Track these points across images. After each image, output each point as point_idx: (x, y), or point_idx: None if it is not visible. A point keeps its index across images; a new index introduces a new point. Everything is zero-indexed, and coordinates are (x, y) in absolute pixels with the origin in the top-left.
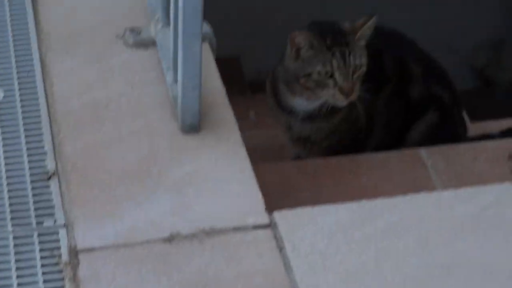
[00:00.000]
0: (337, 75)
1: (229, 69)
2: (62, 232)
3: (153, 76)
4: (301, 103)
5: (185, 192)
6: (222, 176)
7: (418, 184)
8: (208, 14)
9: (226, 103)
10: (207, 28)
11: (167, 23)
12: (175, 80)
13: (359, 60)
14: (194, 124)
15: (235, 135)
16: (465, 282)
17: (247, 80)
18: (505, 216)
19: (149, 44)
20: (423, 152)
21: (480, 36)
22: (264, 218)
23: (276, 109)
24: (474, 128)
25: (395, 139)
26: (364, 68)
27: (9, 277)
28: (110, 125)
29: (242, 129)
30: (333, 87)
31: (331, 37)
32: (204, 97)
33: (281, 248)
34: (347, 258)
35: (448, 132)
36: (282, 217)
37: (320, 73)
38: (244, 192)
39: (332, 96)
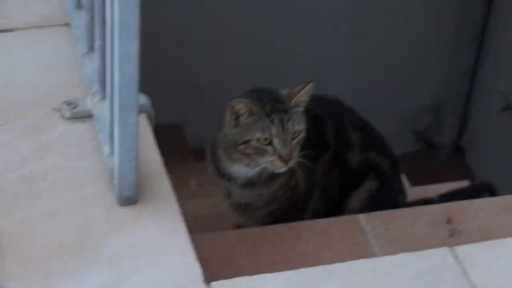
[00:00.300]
0: (276, 141)
1: (172, 136)
2: None
3: (89, 148)
4: (240, 170)
5: (122, 265)
6: (160, 248)
7: (357, 250)
8: (151, 81)
9: (163, 174)
10: (144, 99)
11: (103, 96)
12: (112, 153)
13: (298, 126)
14: (131, 196)
15: (173, 207)
16: None
17: (191, 148)
18: (443, 280)
19: (86, 116)
20: (362, 218)
21: (421, 100)
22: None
23: (215, 176)
24: (414, 192)
25: (334, 206)
26: (303, 134)
27: None
28: (46, 199)
29: (182, 198)
30: (272, 154)
31: (270, 104)
32: (141, 168)
33: None
34: None
35: (388, 200)
36: (220, 287)
37: (259, 140)
38: (182, 264)
39: (271, 163)
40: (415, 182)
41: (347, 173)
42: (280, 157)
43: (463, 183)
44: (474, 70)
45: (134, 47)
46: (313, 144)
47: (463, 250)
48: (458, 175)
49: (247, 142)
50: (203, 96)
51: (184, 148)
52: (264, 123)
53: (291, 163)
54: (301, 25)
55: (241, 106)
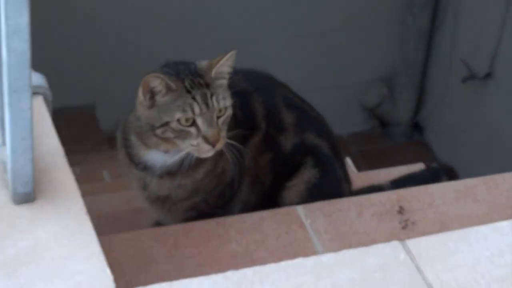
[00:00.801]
0: (200, 121)
1: (82, 120)
2: None
3: None
4: (158, 157)
5: (19, 274)
6: (63, 253)
7: (297, 247)
8: (55, 58)
9: (65, 166)
10: (39, 79)
11: None
12: (3, 143)
13: (223, 102)
14: (28, 193)
15: (77, 204)
16: None
17: (105, 133)
18: (394, 279)
19: None
20: (301, 210)
21: (372, 72)
22: None
23: (128, 165)
24: (361, 178)
25: (266, 198)
26: (229, 112)
27: None
28: None
29: (94, 192)
30: (196, 136)
31: (189, 78)
32: (38, 160)
33: None
34: None
35: (330, 190)
36: None
37: (180, 121)
38: (90, 271)
39: (196, 147)
40: (368, 166)
41: (280, 157)
42: (205, 139)
43: (418, 166)
44: (430, 35)
45: (24, 20)
46: (240, 125)
47: (416, 244)
48: (417, 156)
49: (165, 124)
50: (116, 73)
51: (97, 133)
52: (184, 100)
53: (219, 145)
54: None
55: (156, 82)
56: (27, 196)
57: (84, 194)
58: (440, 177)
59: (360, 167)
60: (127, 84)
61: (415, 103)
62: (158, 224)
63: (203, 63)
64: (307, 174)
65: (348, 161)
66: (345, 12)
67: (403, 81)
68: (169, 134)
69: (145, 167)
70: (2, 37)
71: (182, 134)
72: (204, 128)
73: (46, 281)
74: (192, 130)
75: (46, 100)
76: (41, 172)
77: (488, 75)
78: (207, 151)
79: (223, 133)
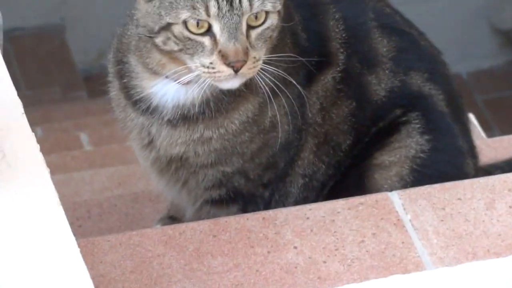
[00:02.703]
0: (217, 28)
1: (46, 48)
2: None
3: None
4: (167, 90)
5: None
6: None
7: (390, 257)
8: None
9: (24, 127)
10: None
11: None
12: None
13: (262, 2)
14: None
15: (46, 188)
16: None
17: (81, 69)
18: None
19: None
20: (396, 199)
21: None
22: None
23: (124, 106)
24: (494, 146)
25: (344, 173)
26: (273, 21)
27: None
28: None
29: (67, 168)
30: (211, 52)
31: None
32: None
33: None
34: None
35: (446, 169)
36: None
37: (187, 24)
38: None
39: (210, 70)
40: (502, 124)
41: (367, 109)
42: (224, 57)
43: None
44: None
45: None
46: (304, 53)
47: None
48: None
49: (167, 28)
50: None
51: (69, 70)
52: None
53: (246, 70)
54: None
55: None
56: None
57: (52, 172)
58: None
59: (490, 127)
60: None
61: None
62: (171, 218)
63: None
64: (413, 146)
65: (472, 118)
66: None
67: None
68: (172, 46)
69: (149, 108)
70: None
71: (191, 47)
72: (223, 39)
73: None
74: (206, 40)
75: None
76: None
77: None
78: (226, 78)
79: (256, 53)
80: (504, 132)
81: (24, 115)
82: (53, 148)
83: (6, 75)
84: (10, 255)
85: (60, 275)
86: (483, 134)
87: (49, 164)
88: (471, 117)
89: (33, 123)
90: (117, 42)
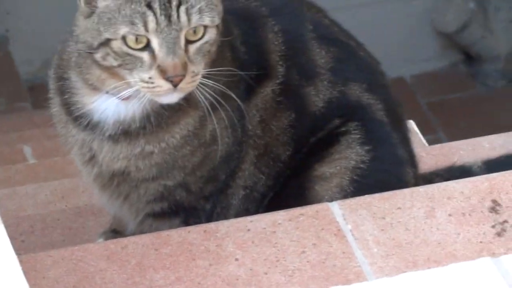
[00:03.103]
0: (156, 43)
1: None
2: None
3: None
4: (108, 106)
5: None
6: None
7: (330, 267)
8: None
9: None
10: None
11: None
12: None
13: (199, 17)
14: None
15: None
16: None
17: (25, 79)
18: None
19: None
20: (337, 209)
21: None
22: None
23: (65, 122)
24: (435, 154)
25: (284, 185)
26: (212, 35)
27: None
28: None
29: (10, 181)
30: (150, 67)
31: None
32: None
33: None
34: None
35: (386, 179)
36: None
37: (126, 39)
38: None
39: (150, 84)
40: (444, 127)
41: (307, 120)
42: (162, 72)
43: None
44: None
45: None
46: (243, 66)
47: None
48: None
49: (106, 44)
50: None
51: (14, 80)
52: (135, 8)
53: (185, 85)
54: None
55: None
56: None
57: None
58: None
59: (434, 130)
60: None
61: None
62: (114, 231)
63: None
64: (353, 157)
65: (413, 125)
66: None
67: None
68: (111, 61)
69: (91, 124)
70: None
71: (130, 62)
72: (162, 54)
73: None
74: (144, 56)
75: None
76: None
77: None
78: (165, 93)
79: (194, 67)
80: (448, 134)
81: None
82: (4, 160)
83: None
84: None
85: None
86: (424, 141)
87: None
88: (412, 124)
89: None
90: (58, 58)
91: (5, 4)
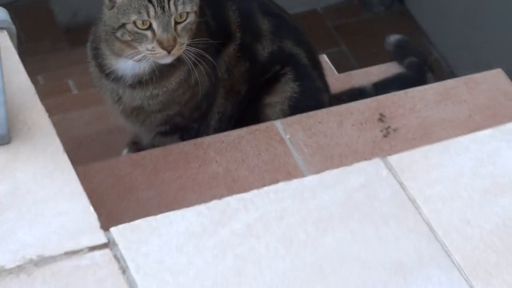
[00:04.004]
0: (155, 25)
1: (37, 15)
2: None
3: None
4: (127, 66)
5: (2, 220)
6: (44, 195)
7: (277, 163)
8: None
9: (37, 103)
10: (1, 12)
11: None
12: None
13: (183, 7)
14: (3, 135)
15: (54, 143)
16: (339, 281)
17: (62, 26)
18: (377, 198)
19: None
20: (279, 125)
21: None
22: (100, 237)
23: (99, 77)
24: (341, 80)
25: (243, 108)
26: (192, 18)
27: None
28: None
29: (61, 109)
30: (152, 40)
31: None
32: (10, 98)
33: (124, 270)
34: (202, 272)
35: (311, 102)
36: (121, 233)
37: (136, 23)
38: (73, 209)
39: (152, 51)
40: (347, 42)
41: (257, 67)
42: (160, 43)
43: (393, 65)
44: None
45: None
46: (214, 34)
47: (398, 159)
48: (399, 28)
49: (122, 26)
50: None
51: (54, 28)
52: (140, 3)
53: (175, 51)
54: None
55: None
56: (2, 138)
57: (51, 112)
58: (425, 75)
59: (338, 43)
60: None
61: None
62: (134, 143)
63: None
64: (289, 90)
65: (325, 58)
66: None
67: None
68: (127, 37)
69: (116, 78)
70: None
71: (139, 37)
72: (159, 32)
73: (31, 223)
74: (148, 33)
75: (10, 34)
76: (14, 112)
77: None
78: (163, 57)
79: (181, 39)
80: (356, 56)
81: (36, 94)
82: (51, 91)
83: (21, 67)
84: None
85: (65, 195)
86: (334, 70)
87: (48, 106)
88: (325, 57)
89: (35, 73)
90: (92, 34)
91: None
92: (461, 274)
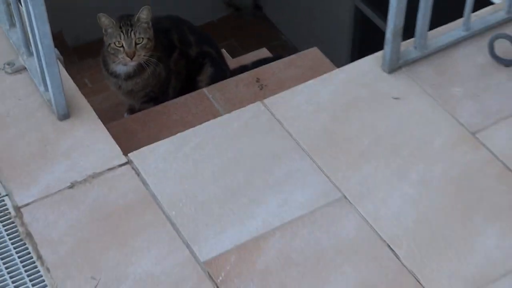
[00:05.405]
0: (124, 44)
1: (56, 43)
2: (6, 199)
3: (30, 89)
4: (120, 68)
5: (71, 157)
6: (91, 142)
7: (207, 111)
8: None
9: (80, 96)
10: (56, 51)
11: (29, 54)
12: (46, 89)
13: (139, 35)
14: (65, 114)
15: (92, 115)
16: (241, 171)
17: (70, 47)
18: (261, 122)
19: (21, 70)
20: (206, 91)
21: None
22: (123, 159)
23: (107, 76)
24: (234, 62)
25: (184, 83)
26: (145, 41)
27: None
28: (13, 128)
29: (87, 96)
30: (122, 52)
31: (123, 21)
32: (66, 93)
33: (138, 174)
34: (178, 169)
35: (221, 76)
36: (133, 155)
37: (116, 43)
38: (107, 147)
39: (123, 58)
40: (234, 38)
41: (190, 61)
42: (127, 54)
43: (264, 52)
44: None
45: (47, 27)
46: (166, 47)
47: (270, 100)
48: (262, 30)
49: (109, 45)
50: (78, 10)
51: (66, 48)
52: (118, 32)
53: (135, 59)
54: None
55: (104, 20)
56: (65, 115)
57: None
58: (279, 57)
59: (230, 40)
60: (85, 13)
61: None
62: (130, 109)
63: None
64: (209, 71)
65: (224, 52)
66: None
67: None
68: (111, 51)
69: (116, 75)
70: (37, 39)
71: (117, 51)
72: (126, 47)
73: (86, 158)
74: (121, 49)
75: (60, 60)
76: (69, 101)
77: None
78: (128, 62)
79: (138, 52)
80: (241, 47)
81: (78, 90)
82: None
83: (67, 76)
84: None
85: (102, 141)
86: (230, 57)
87: None
88: (224, 51)
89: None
90: (102, 51)
91: (60, 16)
92: (309, 156)
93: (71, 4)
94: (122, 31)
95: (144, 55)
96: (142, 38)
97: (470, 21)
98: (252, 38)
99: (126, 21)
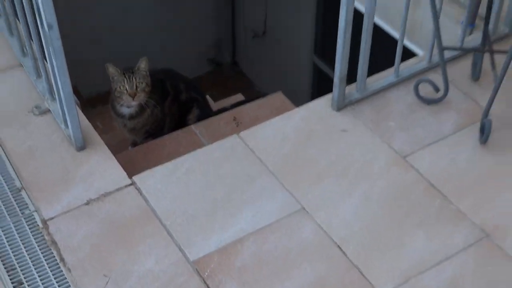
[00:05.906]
0: (127, 87)
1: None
2: (35, 214)
3: (54, 128)
4: (125, 109)
5: (87, 180)
6: (103, 168)
7: (194, 144)
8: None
9: (94, 132)
10: (74, 97)
11: (52, 99)
12: (67, 127)
13: (139, 80)
14: (82, 146)
15: (104, 147)
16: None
17: (85, 98)
18: (236, 152)
19: (46, 112)
20: (193, 127)
21: (209, 38)
22: (128, 181)
23: (115, 117)
24: (216, 105)
25: (177, 123)
26: (144, 86)
27: (16, 238)
28: (40, 158)
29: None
30: (126, 94)
31: (127, 70)
32: (82, 131)
33: (141, 193)
34: (172, 189)
35: (205, 116)
36: (137, 178)
37: (120, 87)
38: (116, 172)
39: (126, 99)
40: (216, 88)
41: (181, 105)
42: (129, 95)
43: (239, 96)
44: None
45: (67, 78)
46: (161, 94)
47: (244, 134)
48: (238, 80)
49: (115, 89)
50: (90, 65)
51: (81, 99)
52: (122, 79)
53: (136, 99)
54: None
55: (111, 69)
56: (82, 147)
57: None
58: (253, 99)
59: (212, 90)
60: (95, 68)
61: (232, 52)
62: (133, 142)
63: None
64: (196, 112)
65: (208, 97)
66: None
67: (224, 44)
68: (117, 94)
69: (121, 116)
70: (59, 87)
71: (122, 94)
72: (128, 89)
73: (99, 181)
74: (125, 91)
75: (77, 104)
76: (85, 136)
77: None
78: (131, 101)
79: (139, 94)
80: (222, 95)
81: (92, 127)
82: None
83: (83, 116)
84: None
85: (111, 167)
86: (213, 102)
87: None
88: (208, 97)
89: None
90: (110, 98)
91: (77, 72)
92: (275, 177)
93: (85, 61)
94: (125, 77)
95: (143, 97)
96: (142, 82)
97: (400, 69)
98: (231, 89)
99: (128, 70)
